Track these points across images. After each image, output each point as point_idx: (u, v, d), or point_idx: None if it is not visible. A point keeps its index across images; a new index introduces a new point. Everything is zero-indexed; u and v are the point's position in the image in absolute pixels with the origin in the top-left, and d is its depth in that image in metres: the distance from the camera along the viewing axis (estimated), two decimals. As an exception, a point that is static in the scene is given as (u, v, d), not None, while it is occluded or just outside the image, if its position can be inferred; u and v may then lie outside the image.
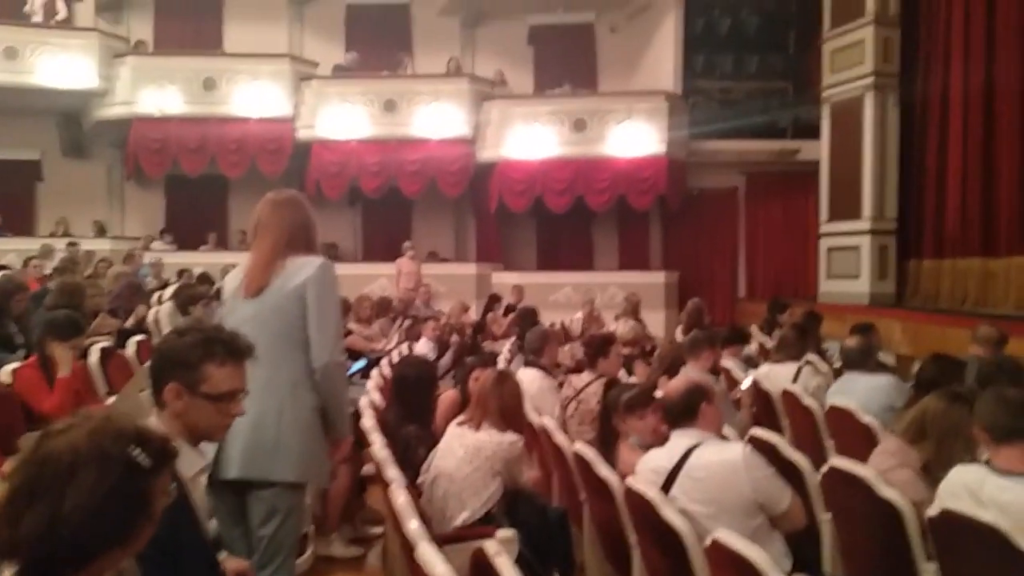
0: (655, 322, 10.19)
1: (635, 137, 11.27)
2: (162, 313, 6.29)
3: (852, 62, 10.02)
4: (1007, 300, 7.78)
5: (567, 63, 12.54)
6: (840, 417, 3.77)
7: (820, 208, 10.71)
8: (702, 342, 4.29)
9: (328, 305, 2.35)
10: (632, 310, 8.50)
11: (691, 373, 4.19)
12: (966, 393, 2.67)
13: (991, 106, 8.27)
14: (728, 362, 5.09)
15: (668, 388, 2.77)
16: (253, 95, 11.32)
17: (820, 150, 10.67)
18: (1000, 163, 8.16)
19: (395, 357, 5.69)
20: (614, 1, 12.12)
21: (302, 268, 2.34)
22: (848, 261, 10.13)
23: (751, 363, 5.52)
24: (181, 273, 9.03)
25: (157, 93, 11.13)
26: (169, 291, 7.24)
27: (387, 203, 12.18)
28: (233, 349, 1.81)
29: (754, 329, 7.50)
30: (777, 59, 11.75)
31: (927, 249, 9.37)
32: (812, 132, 10.93)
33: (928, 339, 7.33)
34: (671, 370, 4.43)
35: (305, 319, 2.31)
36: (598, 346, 4.24)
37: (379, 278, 10.94)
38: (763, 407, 4.48)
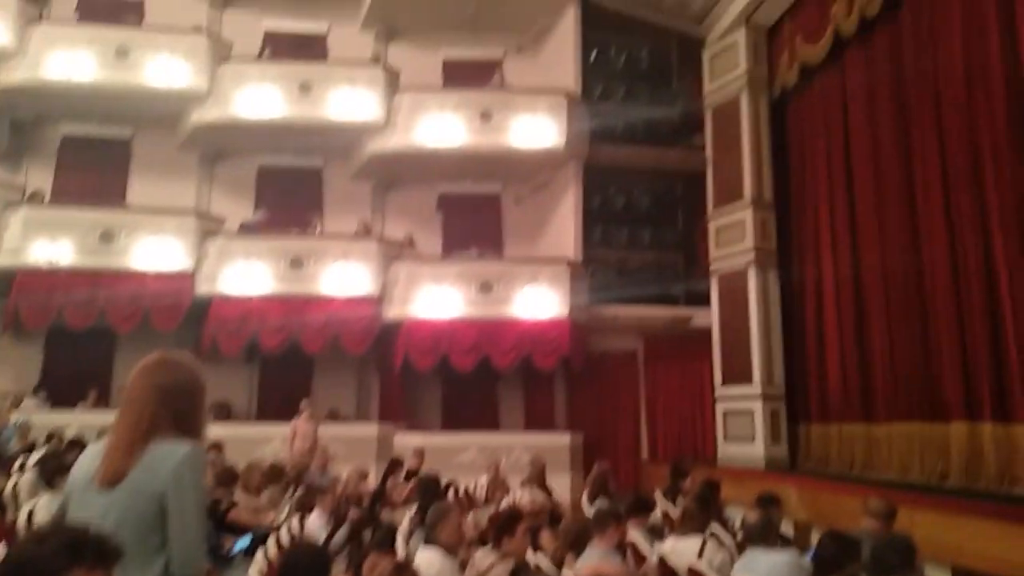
0: (561, 485, 10.02)
1: (539, 301, 11.63)
2: (23, 484, 5.67)
3: (734, 239, 10.93)
4: (891, 465, 8.16)
5: (474, 229, 13.06)
6: (746, 597, 3.71)
7: (715, 372, 11.19)
8: (607, 517, 4.21)
9: (191, 507, 2.05)
10: (537, 476, 8.34)
11: (597, 550, 4.08)
12: (863, 576, 2.70)
13: (859, 282, 9.10)
14: (634, 533, 5.00)
15: (575, 577, 2.66)
16: (153, 249, 11.10)
17: (711, 318, 11.32)
18: (872, 334, 8.84)
19: (285, 532, 5.28)
20: (519, 175, 12.92)
21: (166, 458, 2.04)
22: (743, 425, 10.47)
23: (656, 533, 5.46)
24: (51, 436, 8.27)
25: (48, 245, 10.73)
26: (34, 457, 6.58)
27: (287, 361, 11.84)
28: (103, 553, 1.61)
29: (658, 495, 7.48)
30: (668, 233, 12.65)
31: (815, 414, 9.84)
32: (703, 300, 11.63)
33: (824, 506, 7.51)
34: (576, 546, 4.30)
35: (163, 520, 2.01)
36: (503, 524, 4.08)
37: (274, 440, 10.40)
38: (670, 585, 4.37)
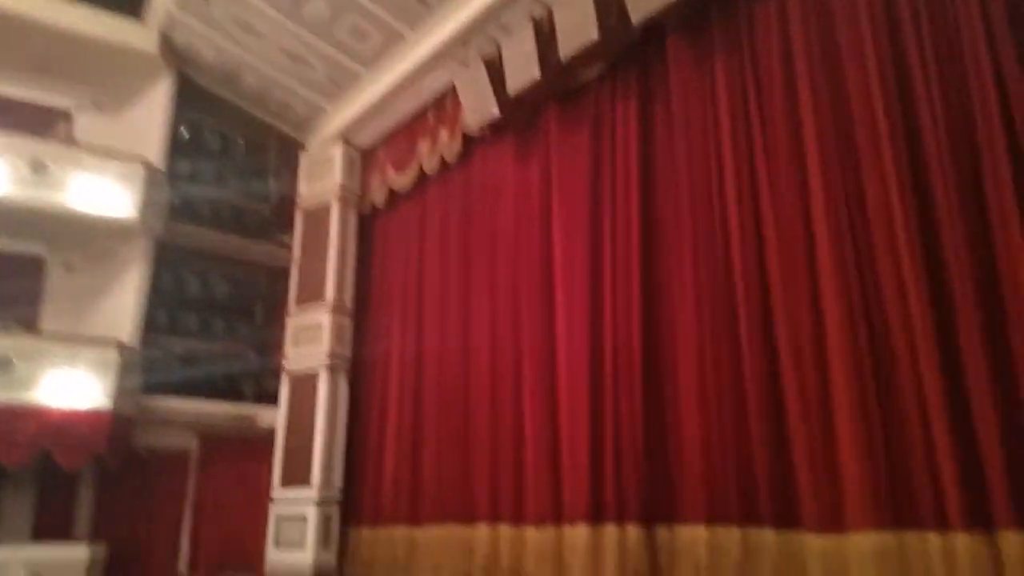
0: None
1: (76, 386, 9.96)
2: None
3: (311, 340, 11.01)
4: (427, 568, 8.72)
5: (5, 295, 10.79)
6: None
7: (274, 475, 10.81)
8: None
9: None
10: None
11: None
12: None
13: (420, 392, 9.82)
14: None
15: None
16: None
17: (278, 418, 11.04)
18: (425, 439, 9.50)
19: None
20: (74, 241, 11.19)
21: None
22: (295, 530, 10.21)
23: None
24: None
25: None
26: None
27: None
28: None
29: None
30: (244, 326, 12.15)
31: (366, 518, 10.10)
32: (273, 400, 11.32)
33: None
34: None
35: None
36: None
37: None
38: None
